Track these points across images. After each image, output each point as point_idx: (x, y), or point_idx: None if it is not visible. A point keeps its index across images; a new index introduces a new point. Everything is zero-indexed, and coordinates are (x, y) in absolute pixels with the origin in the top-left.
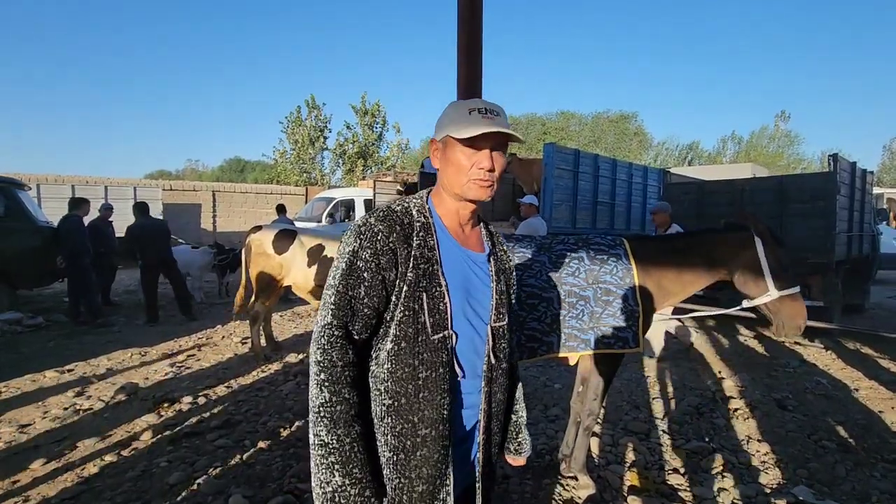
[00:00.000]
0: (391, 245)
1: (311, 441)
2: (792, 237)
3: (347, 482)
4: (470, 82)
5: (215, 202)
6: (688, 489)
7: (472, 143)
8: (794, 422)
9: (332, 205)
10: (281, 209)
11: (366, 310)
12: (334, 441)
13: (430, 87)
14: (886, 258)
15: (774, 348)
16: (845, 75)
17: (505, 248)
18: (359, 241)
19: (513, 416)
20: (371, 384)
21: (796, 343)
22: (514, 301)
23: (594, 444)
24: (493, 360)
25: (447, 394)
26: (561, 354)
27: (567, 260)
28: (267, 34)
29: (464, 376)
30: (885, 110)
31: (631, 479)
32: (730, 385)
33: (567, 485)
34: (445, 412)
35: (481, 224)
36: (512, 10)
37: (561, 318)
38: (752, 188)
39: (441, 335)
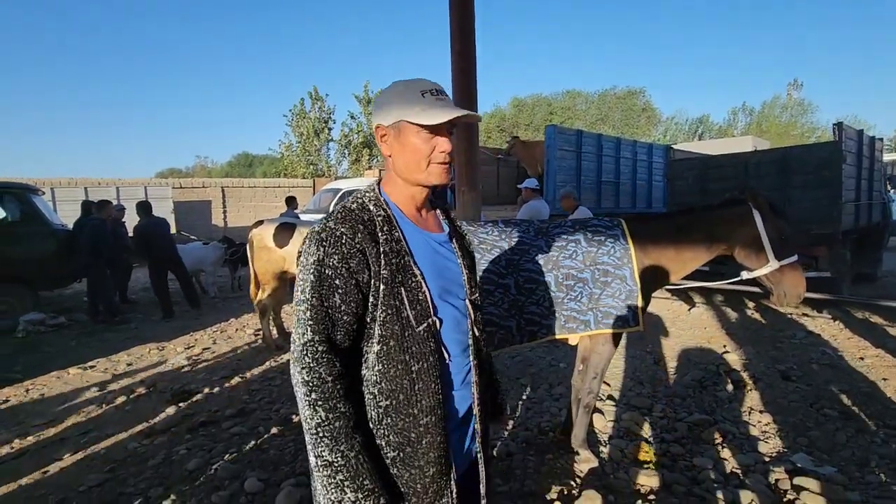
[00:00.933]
0: (358, 246)
1: (312, 463)
2: (797, 208)
3: (361, 496)
4: (463, 67)
5: (224, 198)
6: (687, 459)
7: (431, 127)
8: (798, 392)
9: (338, 196)
10: (290, 201)
11: (345, 317)
12: (339, 459)
13: (431, 74)
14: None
15: (780, 320)
16: (859, 40)
17: (462, 229)
18: (323, 249)
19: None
20: (363, 389)
21: (804, 314)
22: (476, 274)
23: (597, 419)
24: (476, 333)
25: (439, 377)
26: (560, 336)
27: (564, 243)
28: (267, 27)
29: (450, 359)
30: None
31: (632, 451)
32: (734, 358)
33: (569, 460)
34: (440, 396)
35: (434, 206)
36: None
37: (560, 300)
38: (756, 161)
39: (425, 324)
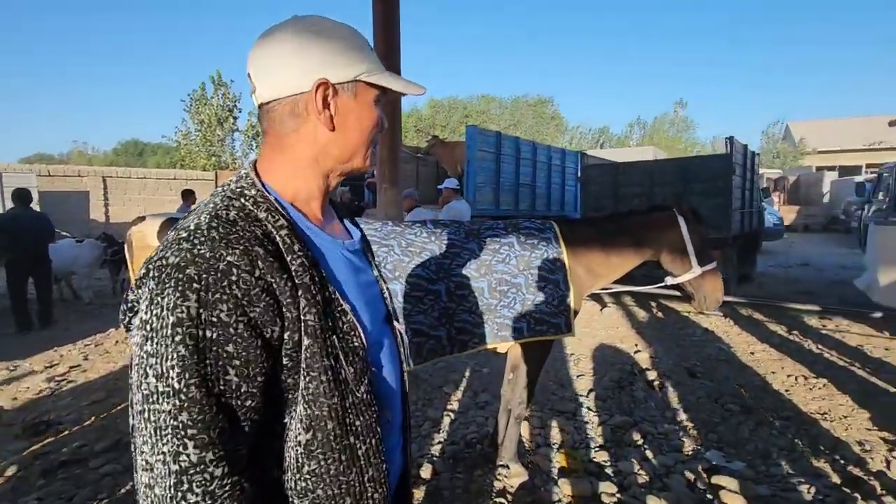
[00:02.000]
0: (262, 283)
1: None
2: None
3: None
4: (388, 55)
5: (106, 189)
6: (614, 464)
7: (378, 96)
8: (703, 388)
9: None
10: (187, 195)
11: (248, 403)
12: None
13: None
14: (767, 231)
15: (680, 319)
16: (732, 67)
17: (356, 222)
18: (197, 296)
19: None
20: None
21: (699, 313)
22: None
23: (524, 427)
24: (404, 364)
25: (381, 444)
26: (493, 345)
27: (497, 246)
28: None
29: (390, 419)
30: (764, 99)
31: (560, 460)
32: (645, 357)
33: (499, 474)
34: (388, 481)
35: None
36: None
37: (493, 307)
38: (660, 169)
39: (365, 383)
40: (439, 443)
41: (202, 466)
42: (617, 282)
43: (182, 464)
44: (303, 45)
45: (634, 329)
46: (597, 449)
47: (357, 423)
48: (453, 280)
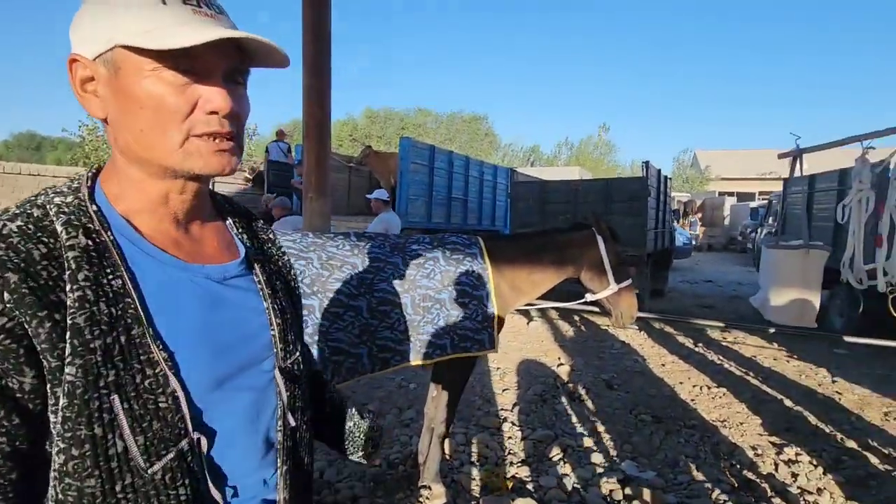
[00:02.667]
0: (2, 322)
1: None
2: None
3: None
4: (317, 64)
5: None
6: (535, 479)
7: (187, 61)
8: (620, 399)
9: None
10: None
11: None
12: None
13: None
14: (678, 250)
15: (599, 333)
16: (650, 97)
17: (272, 239)
18: None
19: (348, 423)
20: None
21: (611, 326)
22: (301, 316)
23: (447, 444)
24: (291, 421)
25: None
26: (415, 363)
27: (422, 261)
28: None
29: (234, 496)
30: (676, 127)
31: (483, 478)
32: (566, 370)
33: (420, 496)
34: None
35: (220, 211)
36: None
37: (416, 324)
38: (584, 188)
39: (168, 458)
40: (360, 464)
41: None
42: (541, 297)
43: None
44: (79, 12)
45: (558, 342)
46: (519, 465)
47: None
48: (375, 296)
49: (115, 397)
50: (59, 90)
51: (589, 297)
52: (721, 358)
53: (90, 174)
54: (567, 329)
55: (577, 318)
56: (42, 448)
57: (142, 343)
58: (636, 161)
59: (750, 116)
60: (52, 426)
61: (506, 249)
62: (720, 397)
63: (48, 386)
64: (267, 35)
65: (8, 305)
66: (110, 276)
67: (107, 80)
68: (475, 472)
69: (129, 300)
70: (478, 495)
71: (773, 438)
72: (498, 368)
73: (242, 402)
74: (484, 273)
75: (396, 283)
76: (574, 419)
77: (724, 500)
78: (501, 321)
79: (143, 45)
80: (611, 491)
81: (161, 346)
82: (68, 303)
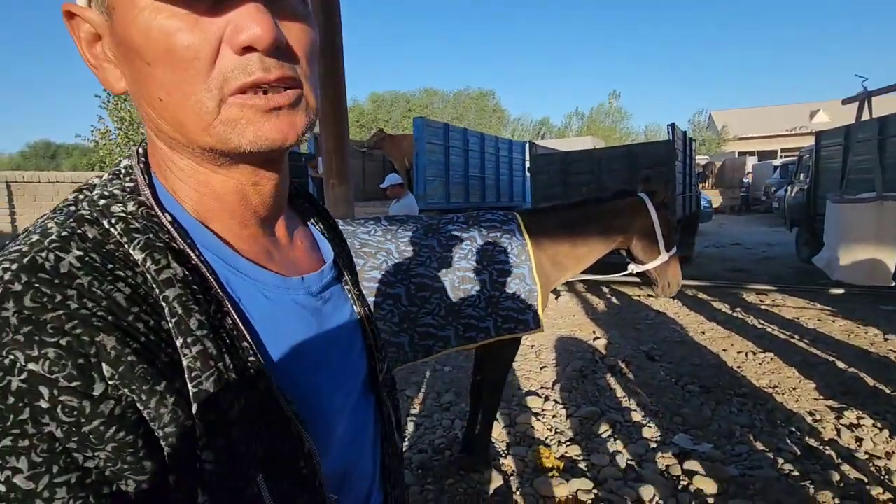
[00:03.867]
0: (109, 407)
1: None
2: None
3: None
4: (330, 47)
5: (11, 195)
6: (586, 458)
7: None
8: (663, 370)
9: None
10: None
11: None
12: None
13: None
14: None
15: (631, 304)
16: (659, 60)
17: (334, 222)
18: (22, 353)
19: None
20: None
21: (648, 296)
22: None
23: (494, 427)
24: (397, 442)
25: None
26: (459, 348)
27: (458, 241)
28: None
29: None
30: (688, 89)
31: (533, 458)
32: (604, 344)
33: (472, 480)
34: None
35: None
36: None
37: (457, 307)
38: (607, 157)
39: None
40: (406, 451)
41: None
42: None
43: None
44: None
45: (590, 316)
46: (567, 443)
47: None
48: (413, 282)
49: (261, 476)
50: (72, 98)
51: (635, 268)
52: (762, 322)
53: (141, 164)
54: (597, 302)
55: (605, 289)
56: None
57: (270, 399)
58: (650, 126)
59: (763, 73)
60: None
61: (545, 223)
62: (768, 363)
63: (175, 480)
64: None
65: (111, 383)
66: (219, 316)
67: (107, 31)
68: (524, 453)
69: (246, 344)
70: (530, 477)
71: (831, 402)
72: (533, 346)
73: (359, 437)
74: (524, 249)
75: (434, 266)
76: (618, 393)
77: (790, 470)
78: (546, 298)
79: None
80: (667, 466)
81: (288, 399)
82: (185, 363)
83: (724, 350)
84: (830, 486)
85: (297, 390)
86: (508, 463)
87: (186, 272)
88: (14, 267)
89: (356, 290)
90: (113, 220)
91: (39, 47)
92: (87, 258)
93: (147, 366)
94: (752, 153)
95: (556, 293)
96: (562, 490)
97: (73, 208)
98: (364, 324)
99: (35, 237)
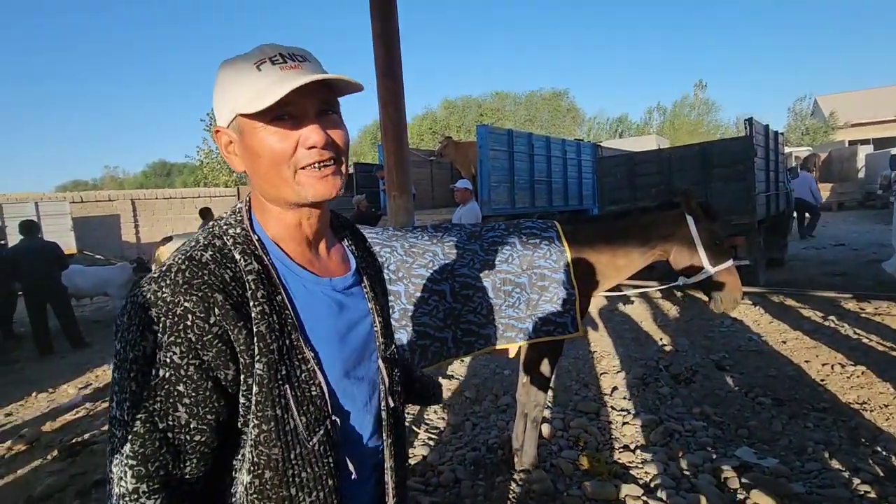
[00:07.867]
0: (216, 329)
1: None
2: (717, 201)
3: None
4: (390, 70)
5: (136, 212)
6: (639, 466)
7: (283, 114)
8: (732, 381)
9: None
10: (205, 214)
11: (197, 438)
12: None
13: (361, 68)
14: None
15: (705, 310)
16: (754, 46)
17: (370, 249)
18: (153, 336)
19: (416, 384)
20: None
21: (719, 311)
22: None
23: (545, 429)
24: (391, 402)
25: (336, 494)
26: (499, 347)
27: (499, 246)
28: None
29: (355, 473)
30: (788, 76)
31: (583, 463)
32: (671, 351)
33: (520, 480)
34: None
35: (335, 229)
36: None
37: (497, 307)
38: (679, 157)
39: (321, 432)
40: (461, 448)
41: (136, 496)
42: (633, 277)
43: (121, 488)
44: (215, 91)
45: (658, 323)
46: (621, 450)
47: (303, 474)
48: (457, 280)
49: (287, 386)
50: (183, 121)
51: (682, 281)
52: (858, 332)
53: (246, 207)
54: (669, 308)
55: (679, 294)
56: (234, 423)
57: (298, 345)
58: (741, 117)
59: (877, 50)
60: (240, 407)
61: (586, 232)
62: (858, 376)
63: (242, 377)
64: (341, 47)
65: (218, 318)
66: (274, 293)
67: (238, 141)
68: (574, 457)
69: (287, 312)
70: (578, 480)
71: None
72: (594, 352)
73: (361, 388)
74: (562, 256)
75: (476, 268)
76: (680, 403)
77: (866, 492)
78: (586, 304)
79: (250, 111)
80: (725, 479)
81: (310, 347)
82: (252, 315)
83: (807, 361)
84: None
85: (320, 346)
86: (559, 465)
87: (260, 267)
88: (181, 257)
89: (372, 291)
90: (229, 238)
91: (151, 70)
92: (216, 256)
93: (236, 312)
94: (865, 141)
95: (625, 299)
96: (609, 494)
97: (211, 229)
98: (374, 315)
99: (193, 243)
